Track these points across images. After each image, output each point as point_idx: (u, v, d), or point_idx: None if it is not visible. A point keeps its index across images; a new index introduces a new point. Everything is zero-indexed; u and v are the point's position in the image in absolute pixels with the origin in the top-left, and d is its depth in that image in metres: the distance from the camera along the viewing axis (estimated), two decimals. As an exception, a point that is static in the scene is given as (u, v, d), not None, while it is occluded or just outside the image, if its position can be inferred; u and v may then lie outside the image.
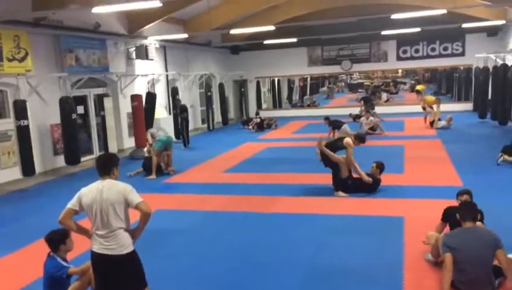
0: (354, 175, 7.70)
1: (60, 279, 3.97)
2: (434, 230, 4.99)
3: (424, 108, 16.11)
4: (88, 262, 3.96)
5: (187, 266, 5.11)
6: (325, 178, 7.92)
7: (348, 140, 7.64)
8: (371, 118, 14.63)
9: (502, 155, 9.12)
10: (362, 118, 14.80)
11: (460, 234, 4.02)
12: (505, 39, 17.15)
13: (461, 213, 4.12)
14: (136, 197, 3.58)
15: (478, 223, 4.62)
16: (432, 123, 14.94)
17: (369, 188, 7.53)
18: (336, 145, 7.77)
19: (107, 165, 3.71)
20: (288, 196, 7.74)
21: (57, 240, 4.08)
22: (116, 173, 3.75)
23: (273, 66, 21.28)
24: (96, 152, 12.44)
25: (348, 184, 7.63)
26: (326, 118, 14.46)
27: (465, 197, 4.90)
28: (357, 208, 6.94)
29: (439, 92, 27.68)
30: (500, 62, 14.86)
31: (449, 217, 4.85)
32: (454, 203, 4.96)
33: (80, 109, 11.89)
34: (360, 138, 7.94)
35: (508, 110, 13.20)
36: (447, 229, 4.82)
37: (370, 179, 7.49)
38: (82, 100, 12.17)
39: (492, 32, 18.01)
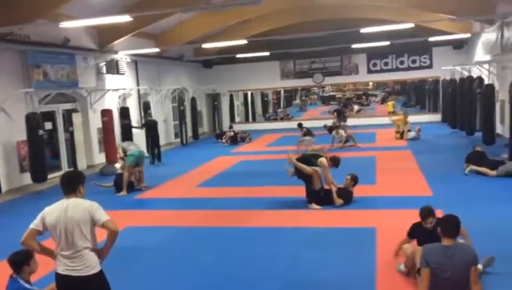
0: (326, 187, 7.73)
1: None
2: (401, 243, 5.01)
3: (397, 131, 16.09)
4: (52, 284, 3.81)
5: (158, 284, 4.99)
6: (299, 191, 7.92)
7: (322, 160, 7.66)
8: (341, 131, 14.72)
9: (468, 165, 9.34)
10: (333, 132, 14.92)
11: (440, 252, 3.85)
12: (470, 52, 17.72)
13: (442, 228, 3.97)
14: (102, 216, 3.46)
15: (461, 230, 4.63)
16: (401, 134, 15.22)
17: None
18: (310, 161, 7.78)
19: (72, 183, 3.58)
20: (262, 210, 7.70)
21: (20, 261, 3.91)
22: (82, 191, 3.61)
23: (246, 79, 21.37)
24: (65, 168, 12.11)
25: (320, 196, 7.65)
26: (300, 124, 14.65)
27: (430, 220, 4.71)
28: (330, 220, 6.95)
29: (409, 104, 28.32)
30: (466, 74, 15.32)
31: (415, 233, 4.88)
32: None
33: (48, 125, 11.61)
34: (334, 161, 7.87)
35: (475, 120, 13.57)
36: None
37: (341, 202, 7.53)
38: (50, 116, 11.88)
39: (458, 45, 18.61)
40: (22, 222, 3.96)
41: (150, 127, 13.66)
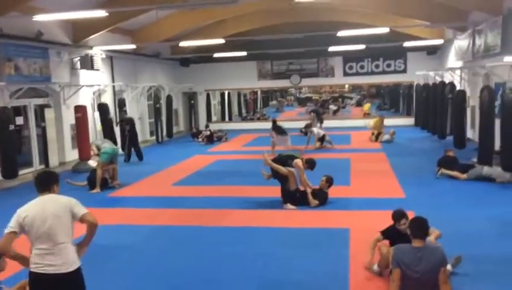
0: (301, 188, 7.79)
1: None
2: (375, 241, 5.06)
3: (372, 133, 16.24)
4: (23, 281, 3.72)
5: (131, 283, 4.93)
6: (274, 191, 7.94)
7: (297, 161, 7.69)
8: (315, 129, 14.75)
9: (439, 169, 9.57)
10: (313, 128, 14.91)
11: (410, 253, 3.94)
12: (443, 58, 18.16)
13: (412, 230, 4.06)
14: (81, 209, 3.46)
15: (433, 234, 4.71)
16: (376, 137, 15.45)
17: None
18: (285, 162, 7.81)
19: (47, 183, 3.54)
20: (238, 209, 7.70)
21: None
22: (57, 190, 3.58)
23: (223, 79, 21.32)
24: (36, 165, 11.85)
25: (296, 197, 7.70)
26: (274, 121, 14.75)
27: (403, 221, 4.77)
28: (305, 220, 7.00)
29: (383, 107, 28.81)
30: (438, 79, 15.68)
31: (389, 234, 4.94)
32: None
33: (19, 120, 11.32)
34: (309, 164, 7.88)
35: (446, 124, 13.90)
36: None
37: (316, 203, 7.59)
38: (21, 111, 11.58)
39: (431, 51, 19.02)
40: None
41: (128, 125, 13.36)
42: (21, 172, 10.54)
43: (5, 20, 9.86)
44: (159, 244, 6.18)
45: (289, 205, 7.61)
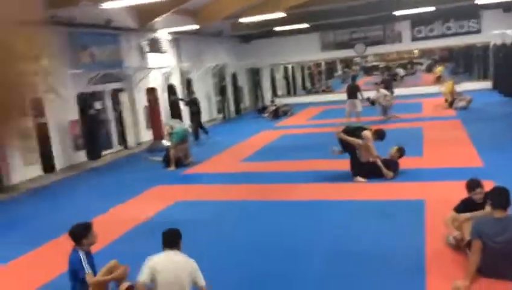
0: (371, 159, 7.63)
1: (79, 274, 4.05)
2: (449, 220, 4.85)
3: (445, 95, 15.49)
4: (112, 262, 4.07)
5: (212, 256, 5.17)
6: (344, 164, 7.87)
7: (366, 133, 7.52)
8: (383, 91, 14.16)
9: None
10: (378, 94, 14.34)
11: (492, 224, 3.83)
12: (523, 14, 16.70)
13: (493, 200, 3.93)
14: (201, 278, 3.79)
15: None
16: (450, 104, 14.68)
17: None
18: (353, 134, 7.66)
19: (174, 240, 3.96)
20: (307, 183, 7.75)
21: (79, 234, 4.15)
22: (181, 245, 3.99)
23: (286, 52, 21.13)
24: (116, 146, 12.59)
25: (368, 169, 7.57)
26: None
27: (479, 190, 4.57)
28: (377, 193, 6.91)
29: (457, 71, 27.19)
30: (518, 38, 14.51)
31: (464, 208, 4.69)
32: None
33: (97, 105, 12.03)
34: (379, 135, 7.70)
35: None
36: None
37: (391, 174, 7.42)
38: (99, 96, 12.31)
39: (508, 8, 17.52)
40: (80, 198, 4.22)
41: (194, 105, 13.83)
42: (102, 153, 11.27)
43: (77, 9, 10.42)
44: (230, 219, 6.41)
45: (359, 178, 7.52)
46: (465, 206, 4.72)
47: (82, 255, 4.06)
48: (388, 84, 17.63)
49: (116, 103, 12.69)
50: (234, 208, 6.90)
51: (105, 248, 5.30)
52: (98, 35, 11.64)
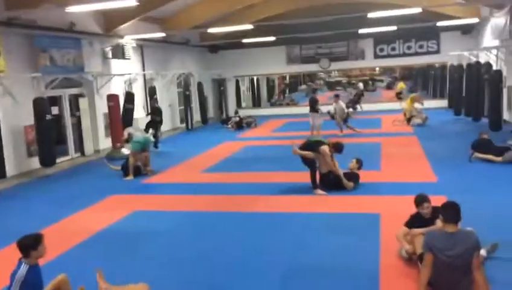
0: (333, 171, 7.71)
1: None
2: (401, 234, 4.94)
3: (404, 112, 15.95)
4: (60, 276, 3.91)
5: (166, 268, 5.07)
6: (304, 176, 7.93)
7: (324, 148, 7.58)
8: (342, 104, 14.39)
9: (474, 152, 9.31)
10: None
11: (443, 238, 3.90)
12: (478, 37, 17.51)
13: (445, 215, 4.00)
14: None
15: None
16: (408, 120, 15.16)
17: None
18: (313, 148, 7.75)
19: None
20: (267, 195, 7.75)
21: (29, 245, 3.96)
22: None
23: (252, 64, 21.28)
24: (72, 153, 12.23)
25: (329, 180, 7.68)
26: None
27: (427, 205, 4.74)
28: (335, 205, 7.00)
29: (415, 89, 28.12)
30: (473, 60, 15.17)
31: (414, 223, 4.84)
32: (432, 198, 4.99)
33: (55, 110, 11.68)
34: (337, 148, 7.79)
35: (482, 106, 13.48)
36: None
37: (352, 185, 7.57)
38: (57, 101, 11.95)
39: (466, 30, 18.37)
40: (31, 206, 4.05)
41: (157, 115, 13.56)
42: (58, 160, 10.91)
43: (39, 12, 10.13)
44: (189, 230, 6.32)
45: (319, 191, 7.60)
46: (414, 221, 4.86)
47: (24, 266, 3.83)
48: (358, 99, 18.14)
49: (75, 108, 12.35)
50: (192, 219, 6.81)
51: (55, 259, 5.09)
52: (59, 38, 11.34)
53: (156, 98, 14.84)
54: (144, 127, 13.65)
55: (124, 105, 13.36)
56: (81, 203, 7.67)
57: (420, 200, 4.80)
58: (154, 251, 5.59)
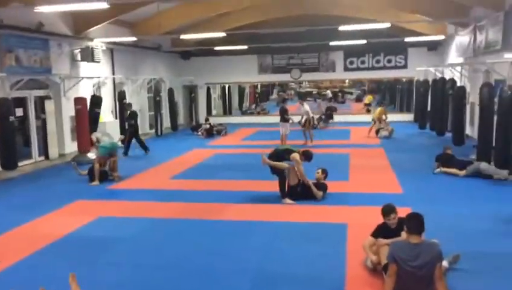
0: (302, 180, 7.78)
1: None
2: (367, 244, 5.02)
3: (373, 120, 16.36)
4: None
5: (129, 275, 4.96)
6: (273, 185, 7.95)
7: (294, 155, 7.66)
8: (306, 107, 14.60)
9: (438, 165, 9.59)
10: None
11: (407, 249, 3.96)
12: (444, 54, 18.12)
13: (409, 226, 4.05)
14: None
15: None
16: (377, 132, 15.48)
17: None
18: (282, 156, 7.82)
19: None
20: (236, 203, 7.73)
21: None
22: None
23: (224, 72, 21.29)
24: (36, 156, 11.87)
25: (297, 191, 7.73)
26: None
27: (393, 216, 4.83)
28: (303, 215, 7.04)
29: (383, 102, 28.77)
30: (439, 75, 15.67)
31: (380, 233, 4.94)
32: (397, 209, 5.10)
33: (19, 112, 11.33)
34: (306, 156, 7.88)
35: (446, 121, 13.91)
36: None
37: (321, 194, 7.67)
38: (21, 102, 11.59)
39: (432, 46, 19.00)
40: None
41: (132, 119, 13.16)
42: (20, 163, 10.58)
43: (6, 11, 9.84)
44: (155, 237, 6.22)
45: (287, 200, 7.64)
46: (380, 231, 4.95)
47: None
48: (331, 114, 18.46)
49: (40, 111, 12.01)
50: (158, 226, 6.70)
51: (14, 265, 4.91)
52: (26, 38, 11.05)
53: (129, 103, 14.40)
54: (118, 133, 13.43)
55: (90, 108, 13.08)
56: (43, 208, 7.44)
57: (387, 210, 4.89)
58: (118, 258, 5.47)
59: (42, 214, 7.16)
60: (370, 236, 5.00)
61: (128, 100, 15.29)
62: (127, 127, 13.37)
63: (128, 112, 13.38)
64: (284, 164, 7.69)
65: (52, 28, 11.84)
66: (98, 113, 13.28)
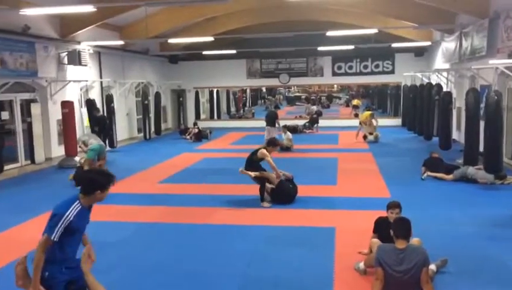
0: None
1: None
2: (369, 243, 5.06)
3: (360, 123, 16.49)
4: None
5: (117, 279, 4.90)
6: (261, 190, 7.95)
7: (262, 151, 7.85)
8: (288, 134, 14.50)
9: (425, 170, 9.66)
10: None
11: (393, 254, 3.98)
12: (430, 59, 18.34)
13: (394, 230, 4.09)
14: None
15: (415, 240, 4.61)
16: (364, 137, 15.56)
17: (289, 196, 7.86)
18: (251, 160, 7.91)
19: None
20: (223, 207, 7.71)
21: (100, 184, 3.59)
22: None
23: (212, 76, 21.27)
24: (22, 160, 11.71)
25: (283, 189, 7.81)
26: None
27: (396, 211, 4.88)
28: (291, 219, 7.03)
29: (371, 107, 29.02)
30: (426, 81, 15.85)
31: (379, 227, 5.03)
32: (384, 214, 5.14)
33: (5, 115, 11.17)
34: (270, 144, 8.12)
35: (432, 126, 14.05)
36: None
37: (274, 177, 7.78)
38: (7, 105, 11.44)
39: (419, 52, 19.23)
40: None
41: (99, 123, 13.09)
42: (6, 167, 10.42)
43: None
44: (144, 241, 6.17)
45: (265, 203, 7.71)
46: (379, 225, 5.02)
47: (73, 212, 3.46)
48: (317, 118, 18.57)
49: (26, 114, 11.86)
50: (146, 230, 6.65)
51: (-2, 270, 4.83)
52: (12, 41, 10.91)
53: (98, 108, 13.85)
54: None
55: (90, 112, 12.98)
56: (27, 213, 7.33)
57: (394, 204, 4.97)
58: (106, 262, 5.39)
59: (29, 218, 7.06)
60: (373, 234, 5.06)
61: (116, 104, 15.18)
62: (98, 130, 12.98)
63: (96, 116, 13.26)
64: (259, 174, 7.78)
65: (38, 31, 11.73)
66: (102, 116, 13.14)
